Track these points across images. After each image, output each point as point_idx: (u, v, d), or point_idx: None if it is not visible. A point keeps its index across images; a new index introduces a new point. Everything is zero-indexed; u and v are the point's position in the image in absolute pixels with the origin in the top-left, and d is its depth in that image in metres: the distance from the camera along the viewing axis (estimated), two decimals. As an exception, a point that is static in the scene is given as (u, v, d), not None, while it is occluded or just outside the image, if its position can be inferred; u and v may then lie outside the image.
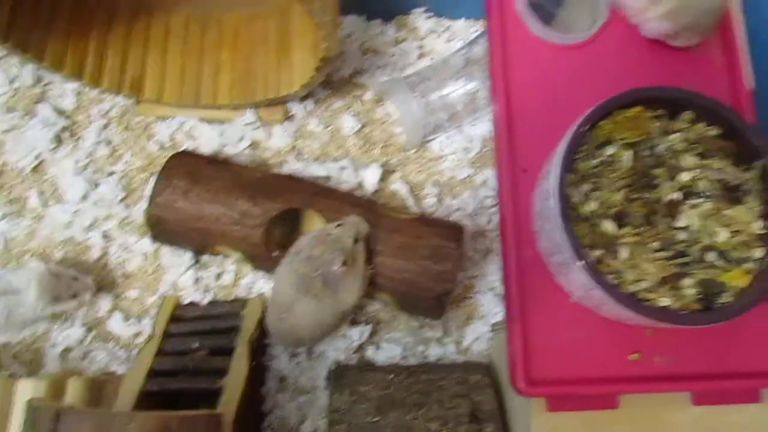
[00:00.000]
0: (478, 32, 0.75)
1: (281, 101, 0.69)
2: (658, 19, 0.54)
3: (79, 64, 0.66)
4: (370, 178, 0.68)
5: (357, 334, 0.63)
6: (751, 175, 0.49)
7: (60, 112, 0.71)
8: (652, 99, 0.49)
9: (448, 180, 0.70)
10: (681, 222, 0.48)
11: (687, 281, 0.47)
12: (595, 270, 0.44)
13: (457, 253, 0.57)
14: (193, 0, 0.68)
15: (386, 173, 0.70)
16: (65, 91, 0.72)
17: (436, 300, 0.58)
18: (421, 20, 0.76)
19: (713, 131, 0.50)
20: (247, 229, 0.58)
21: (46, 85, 0.72)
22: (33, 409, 0.44)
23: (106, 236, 0.68)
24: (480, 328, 0.64)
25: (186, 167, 0.60)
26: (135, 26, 0.69)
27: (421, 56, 0.75)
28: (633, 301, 0.45)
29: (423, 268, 0.57)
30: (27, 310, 0.61)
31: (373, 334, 0.64)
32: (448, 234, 0.58)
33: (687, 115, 0.51)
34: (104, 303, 0.66)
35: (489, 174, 0.70)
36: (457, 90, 0.69)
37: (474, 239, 0.67)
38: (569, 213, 0.47)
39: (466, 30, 0.76)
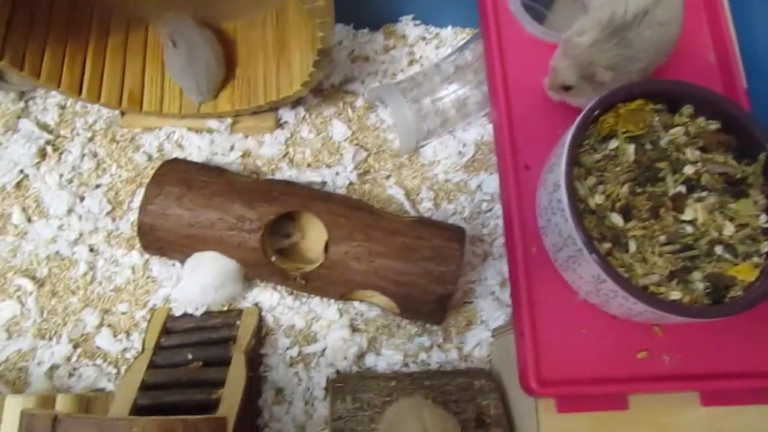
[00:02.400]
0: (466, 39, 0.76)
1: (278, 105, 0.68)
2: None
3: (77, 80, 0.64)
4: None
5: (356, 340, 0.61)
6: (753, 168, 0.49)
7: (43, 127, 0.69)
8: (652, 92, 0.49)
9: (443, 184, 0.69)
10: (687, 215, 0.48)
11: (696, 275, 0.46)
12: (606, 262, 0.44)
13: (459, 254, 0.56)
14: (191, 10, 0.67)
15: (381, 178, 0.69)
16: (48, 105, 0.70)
17: (437, 303, 0.57)
18: (409, 28, 0.76)
19: (713, 125, 0.50)
20: (244, 233, 0.57)
21: (28, 100, 0.70)
22: (29, 416, 0.41)
23: (92, 250, 0.66)
24: (481, 334, 0.63)
25: (178, 174, 0.59)
26: (131, 39, 0.68)
27: (411, 63, 0.75)
28: (644, 294, 0.44)
29: (425, 270, 0.56)
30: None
31: (372, 340, 0.62)
32: (450, 235, 0.57)
33: (686, 109, 0.50)
34: (91, 318, 0.63)
35: (484, 178, 0.69)
36: (448, 95, 0.69)
37: (472, 244, 0.66)
38: (577, 206, 0.46)
39: (454, 37, 0.77)
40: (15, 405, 0.51)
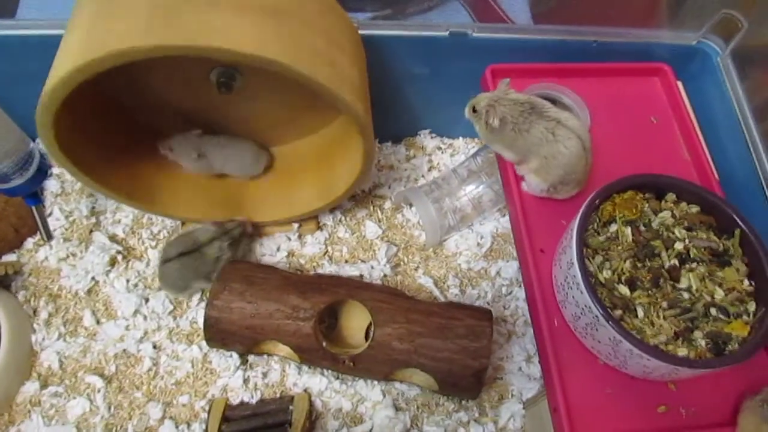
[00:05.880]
0: (476, 147, 0.88)
1: (321, 212, 0.79)
2: (531, 175, 0.64)
3: (151, 195, 0.75)
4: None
5: (401, 418, 0.67)
6: (731, 242, 0.59)
7: (113, 238, 0.78)
8: (640, 184, 0.60)
9: (466, 272, 0.78)
10: (682, 284, 0.56)
11: (697, 334, 0.54)
12: (620, 324, 0.52)
13: (489, 331, 0.64)
14: (268, 135, 0.79)
15: (411, 270, 0.78)
16: (118, 219, 0.80)
17: (474, 377, 0.63)
18: (427, 140, 0.88)
19: (694, 208, 0.60)
20: (299, 322, 0.64)
21: (99, 215, 0.80)
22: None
23: (156, 347, 0.73)
24: (513, 407, 0.69)
25: (240, 272, 0.67)
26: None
27: (430, 169, 0.87)
28: (656, 350, 0.51)
29: (460, 346, 0.63)
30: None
31: (414, 418, 0.68)
32: (480, 315, 0.65)
33: (670, 196, 0.61)
34: (155, 411, 0.69)
35: (502, 265, 0.78)
36: (465, 195, 0.80)
37: (496, 324, 0.74)
38: (589, 279, 0.55)
39: (465, 146, 0.89)
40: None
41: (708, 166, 0.69)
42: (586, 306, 0.54)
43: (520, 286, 0.76)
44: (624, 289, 0.56)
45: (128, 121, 0.73)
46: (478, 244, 0.80)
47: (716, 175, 0.70)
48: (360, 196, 0.83)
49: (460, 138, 0.89)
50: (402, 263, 0.79)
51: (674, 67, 0.75)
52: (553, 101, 0.75)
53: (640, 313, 0.55)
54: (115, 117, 0.71)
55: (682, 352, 0.53)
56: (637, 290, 0.56)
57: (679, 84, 0.76)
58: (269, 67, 0.51)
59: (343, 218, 0.81)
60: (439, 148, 0.88)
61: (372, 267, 0.77)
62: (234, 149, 0.77)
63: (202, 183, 0.78)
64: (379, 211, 0.83)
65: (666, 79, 0.75)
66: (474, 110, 0.64)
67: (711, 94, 0.75)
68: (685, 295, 0.56)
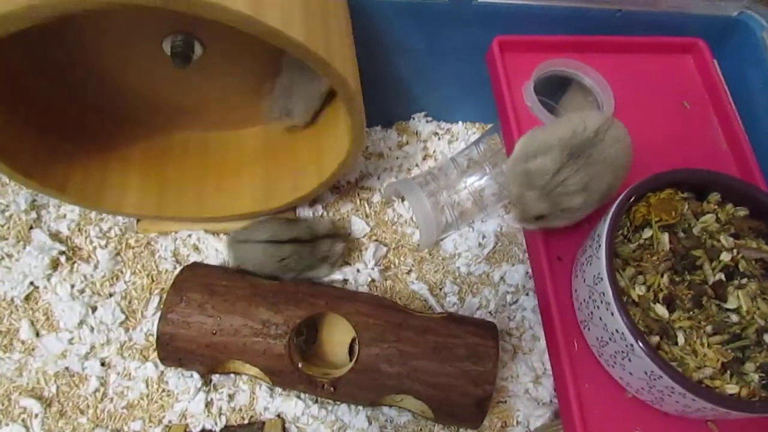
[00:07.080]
0: (476, 133, 0.78)
1: (297, 205, 0.68)
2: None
3: (93, 190, 0.62)
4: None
5: (389, 452, 0.58)
6: (788, 253, 0.49)
7: (55, 237, 0.67)
8: (680, 181, 0.50)
9: (466, 277, 0.68)
10: (730, 304, 0.47)
11: (749, 366, 0.45)
12: (661, 358, 0.42)
13: (495, 352, 0.54)
14: (221, 121, 0.68)
15: (402, 274, 0.68)
16: (62, 213, 0.69)
17: (476, 406, 0.54)
18: (421, 124, 0.77)
19: (742, 211, 0.50)
20: (269, 339, 0.54)
21: (40, 209, 0.69)
22: None
23: (104, 364, 0.62)
24: (519, 436, 0.60)
25: (200, 279, 0.57)
26: (144, 145, 0.68)
27: (425, 158, 0.76)
28: (704, 390, 0.42)
29: (461, 370, 0.53)
30: None
31: (405, 451, 0.59)
32: (484, 332, 0.56)
33: (713, 196, 0.51)
34: (102, 439, 0.59)
35: (506, 269, 0.68)
36: (465, 188, 0.70)
37: (501, 338, 0.64)
38: (622, 300, 0.45)
39: (465, 132, 0.78)
40: None
41: (750, 158, 0.59)
42: (616, 331, 0.44)
43: (527, 294, 0.67)
44: (662, 310, 0.46)
45: (77, 102, 0.62)
46: (480, 244, 0.70)
47: (760, 169, 0.60)
48: (345, 188, 0.73)
49: (460, 122, 0.79)
50: (392, 266, 0.69)
51: (710, 43, 0.65)
52: (570, 80, 0.65)
53: (681, 339, 0.45)
54: (54, 96, 0.59)
55: (731, 388, 0.44)
56: (676, 311, 0.46)
57: (716, 63, 0.65)
58: (236, 25, 0.40)
59: (325, 213, 0.71)
60: (436, 134, 0.77)
61: (358, 270, 0.67)
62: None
63: (164, 174, 0.67)
64: (366, 206, 0.72)
65: (701, 56, 0.65)
66: (540, 217, 0.49)
67: (753, 74, 0.64)
68: (734, 318, 0.46)
